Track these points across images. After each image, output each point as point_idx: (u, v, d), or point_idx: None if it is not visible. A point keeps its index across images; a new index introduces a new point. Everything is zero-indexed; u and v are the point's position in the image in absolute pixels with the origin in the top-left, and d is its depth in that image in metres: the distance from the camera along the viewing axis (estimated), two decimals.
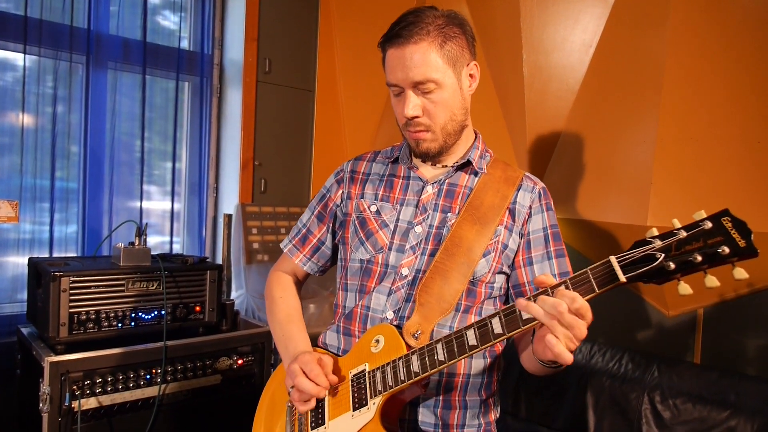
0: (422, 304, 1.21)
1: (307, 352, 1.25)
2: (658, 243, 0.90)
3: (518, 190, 1.31)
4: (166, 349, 2.10)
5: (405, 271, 1.27)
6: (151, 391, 2.07)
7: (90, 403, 1.94)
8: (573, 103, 2.31)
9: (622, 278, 0.91)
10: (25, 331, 2.19)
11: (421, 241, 1.28)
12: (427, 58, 1.18)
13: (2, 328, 2.37)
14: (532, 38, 2.31)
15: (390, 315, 1.26)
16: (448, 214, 1.29)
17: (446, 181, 1.33)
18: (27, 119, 2.53)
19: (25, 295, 2.36)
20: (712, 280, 0.88)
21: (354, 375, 1.20)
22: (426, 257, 1.27)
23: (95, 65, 2.68)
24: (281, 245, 1.54)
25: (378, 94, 3.02)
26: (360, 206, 1.37)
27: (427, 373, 1.09)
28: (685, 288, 0.90)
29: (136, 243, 2.22)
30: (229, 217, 2.92)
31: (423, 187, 1.33)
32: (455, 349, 1.06)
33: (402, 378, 1.11)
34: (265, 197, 3.08)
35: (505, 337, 1.03)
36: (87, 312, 2.01)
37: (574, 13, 2.23)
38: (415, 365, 1.10)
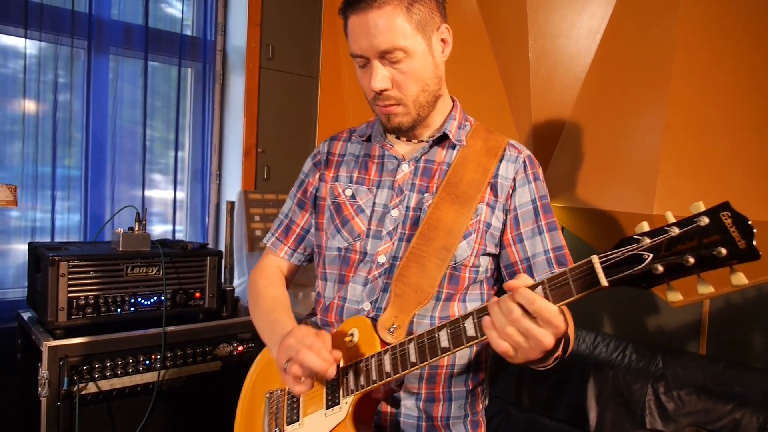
0: (398, 295, 1.13)
1: (302, 326, 1.12)
2: (647, 241, 0.78)
3: (500, 161, 1.20)
4: (166, 334, 2.09)
5: (381, 259, 1.19)
6: (151, 377, 2.07)
7: (89, 387, 1.94)
8: (579, 90, 2.27)
9: (604, 282, 0.80)
10: (25, 315, 2.20)
11: (398, 225, 1.19)
12: (392, 23, 1.07)
13: (4, 313, 2.38)
14: (538, 24, 2.27)
15: (366, 306, 1.19)
16: (425, 195, 1.19)
17: (422, 157, 1.23)
18: (29, 106, 2.52)
19: (26, 282, 2.36)
20: (705, 287, 0.76)
21: None
22: (403, 243, 1.18)
23: (97, 51, 2.66)
24: (264, 240, 1.44)
25: None
26: (334, 190, 1.28)
27: (398, 375, 1.02)
28: (674, 295, 0.80)
29: (136, 228, 2.21)
30: (231, 204, 2.90)
31: (398, 166, 1.23)
32: (427, 351, 0.99)
33: (374, 378, 1.05)
34: (267, 184, 3.06)
35: (479, 340, 0.94)
36: (86, 297, 2.01)
37: None
38: (387, 366, 1.03)
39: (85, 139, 2.67)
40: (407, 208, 1.20)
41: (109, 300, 2.05)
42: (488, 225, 1.18)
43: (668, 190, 1.91)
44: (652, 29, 2.01)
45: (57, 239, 2.58)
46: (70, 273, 1.97)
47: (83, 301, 2.00)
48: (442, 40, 1.17)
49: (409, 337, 1.03)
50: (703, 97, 1.88)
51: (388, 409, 1.18)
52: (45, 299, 1.95)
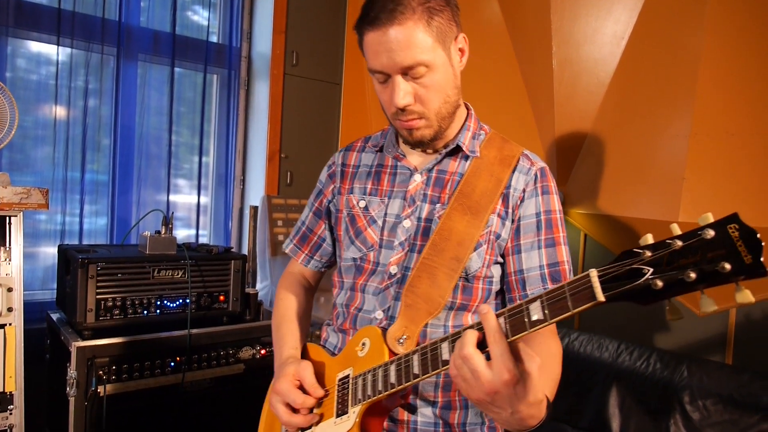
0: (408, 306, 1.13)
1: (284, 373, 1.18)
2: (648, 255, 0.73)
3: (513, 171, 1.18)
4: (191, 337, 2.12)
5: (393, 269, 1.19)
6: (175, 379, 2.10)
7: (115, 388, 1.97)
8: (603, 96, 2.26)
9: (601, 297, 0.76)
10: (54, 316, 2.24)
11: (409, 236, 1.19)
12: (414, 38, 1.04)
13: (34, 314, 2.42)
14: (562, 30, 2.27)
15: (379, 315, 1.19)
16: (437, 205, 1.18)
17: (435, 168, 1.22)
18: (59, 111, 2.58)
19: (55, 284, 2.40)
20: (708, 303, 0.70)
21: (340, 379, 1.15)
22: (414, 254, 1.17)
23: (126, 57, 2.71)
24: (283, 246, 1.47)
25: None
26: (349, 202, 1.29)
27: (402, 386, 1.00)
28: (675, 312, 0.75)
29: (163, 232, 2.25)
30: (255, 209, 2.94)
31: (410, 177, 1.23)
32: (429, 363, 0.96)
33: (379, 389, 1.03)
34: (290, 189, 3.09)
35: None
36: (113, 299, 2.04)
37: (607, 4, 2.18)
38: (392, 376, 1.02)
39: (112, 144, 2.72)
40: (419, 218, 1.19)
41: (136, 302, 2.09)
42: (498, 236, 1.17)
43: (694, 197, 1.89)
44: (677, 36, 1.99)
45: (84, 242, 2.63)
46: (99, 275, 2.01)
47: (111, 303, 2.04)
48: (460, 50, 1.16)
49: (414, 349, 1.01)
50: (730, 103, 1.86)
51: (406, 416, 1.17)
52: (74, 300, 1.99)
